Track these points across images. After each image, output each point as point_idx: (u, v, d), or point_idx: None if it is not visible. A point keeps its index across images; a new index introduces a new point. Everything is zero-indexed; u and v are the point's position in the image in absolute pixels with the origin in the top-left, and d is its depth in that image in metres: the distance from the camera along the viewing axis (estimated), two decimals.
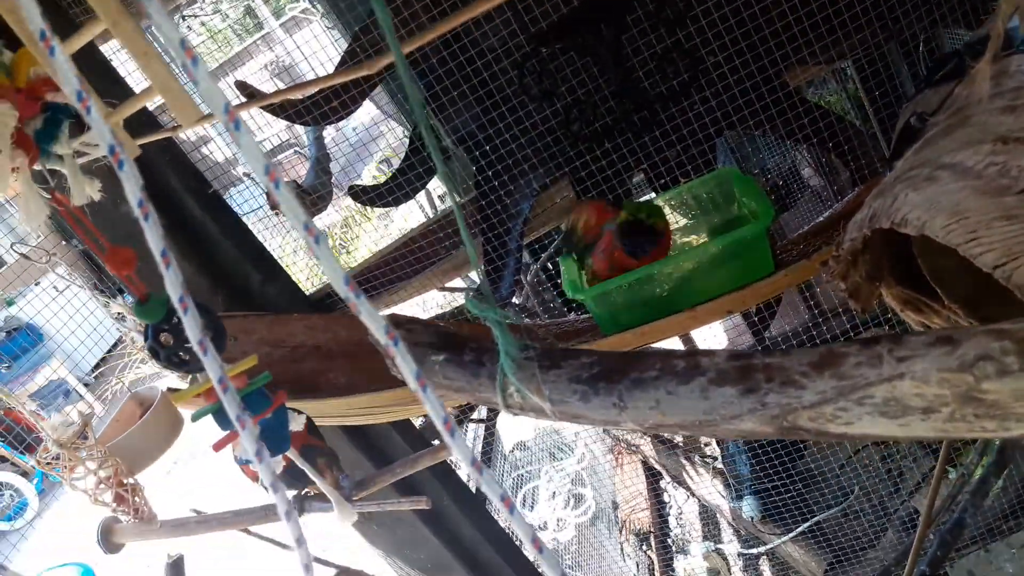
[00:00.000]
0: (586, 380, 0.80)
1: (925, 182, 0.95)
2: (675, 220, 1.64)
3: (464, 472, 2.96)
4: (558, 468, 3.90)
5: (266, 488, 1.52)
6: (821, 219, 1.59)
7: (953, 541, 1.66)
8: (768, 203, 1.44)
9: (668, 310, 1.54)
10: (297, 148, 7.85)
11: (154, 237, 0.54)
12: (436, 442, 2.36)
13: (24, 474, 7.34)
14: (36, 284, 9.59)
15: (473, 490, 2.38)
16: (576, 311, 1.96)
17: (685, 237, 1.63)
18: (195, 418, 1.18)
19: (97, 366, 8.76)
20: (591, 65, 1.58)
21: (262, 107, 1.86)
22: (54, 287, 9.54)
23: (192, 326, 0.57)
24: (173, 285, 0.56)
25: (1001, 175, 0.89)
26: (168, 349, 1.08)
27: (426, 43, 1.19)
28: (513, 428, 3.91)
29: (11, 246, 1.75)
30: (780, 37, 1.51)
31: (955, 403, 0.58)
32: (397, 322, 1.04)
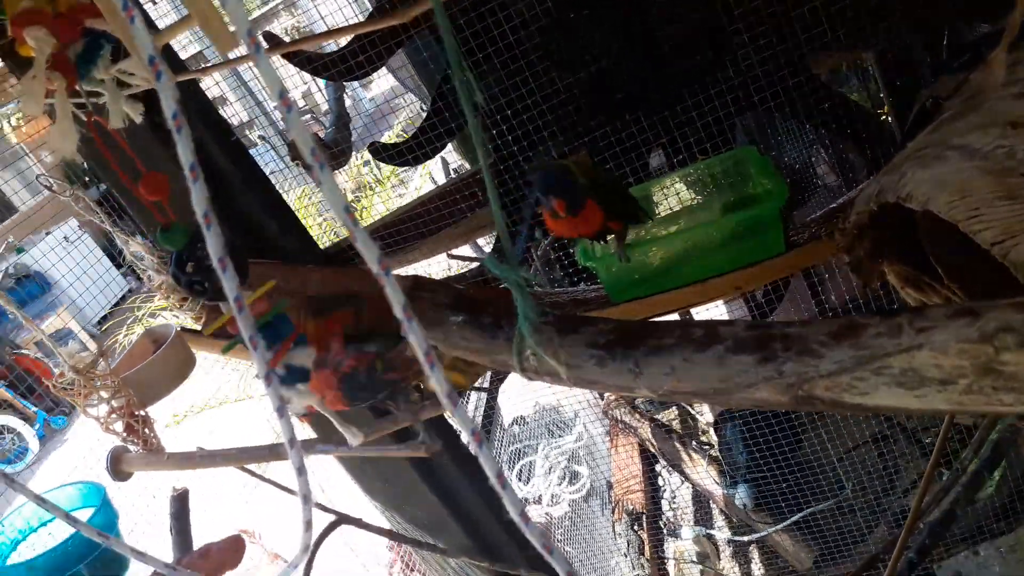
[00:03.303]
0: (603, 346, 0.82)
1: (934, 160, 0.98)
2: (690, 196, 1.67)
3: (465, 436, 3.00)
4: (555, 445, 3.94)
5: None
6: (834, 204, 1.61)
7: (942, 531, 1.69)
8: (783, 183, 1.46)
9: (678, 282, 1.56)
10: (313, 114, 7.89)
11: (185, 151, 0.57)
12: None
13: (26, 419, 7.44)
14: (47, 233, 9.67)
15: (473, 452, 2.42)
16: (586, 282, 1.98)
17: (697, 212, 1.65)
18: (225, 350, 1.21)
19: (104, 319, 8.86)
20: (617, 36, 1.60)
21: (289, 61, 1.88)
22: (65, 237, 9.62)
23: (215, 244, 0.59)
24: (199, 200, 0.58)
25: (1008, 157, 0.91)
26: (190, 276, 1.12)
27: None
28: (513, 403, 3.95)
29: (36, 178, 1.78)
30: (805, 20, 1.53)
31: (973, 375, 0.58)
32: (420, 284, 1.06)
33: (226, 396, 4.86)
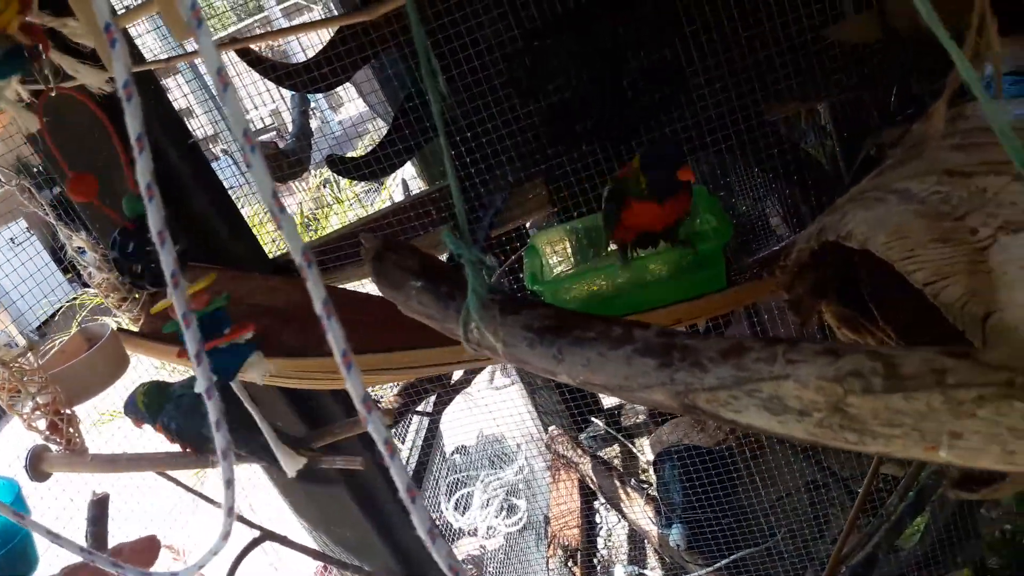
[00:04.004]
0: (536, 330, 0.86)
1: (874, 203, 1.02)
2: None
3: (403, 458, 2.96)
4: (495, 476, 3.91)
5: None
6: (777, 247, 1.65)
7: (865, 574, 1.71)
8: (729, 222, 1.50)
9: (620, 311, 1.58)
10: (279, 132, 7.87)
11: (134, 121, 0.57)
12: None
13: None
14: None
15: (387, 464, 2.40)
16: None
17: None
18: (166, 329, 1.19)
19: (44, 324, 8.60)
20: (580, 68, 1.64)
21: (253, 68, 1.88)
22: (11, 239, 9.36)
23: (156, 216, 0.59)
24: (143, 172, 0.58)
25: (942, 203, 0.95)
26: (130, 258, 1.11)
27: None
28: (456, 431, 3.91)
29: None
30: (761, 67, 1.58)
31: (825, 410, 0.63)
32: (389, 246, 1.08)
33: None
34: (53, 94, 1.06)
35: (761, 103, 1.65)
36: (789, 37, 1.55)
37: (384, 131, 1.88)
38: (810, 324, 1.23)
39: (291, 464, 1.43)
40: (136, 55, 1.81)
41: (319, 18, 5.48)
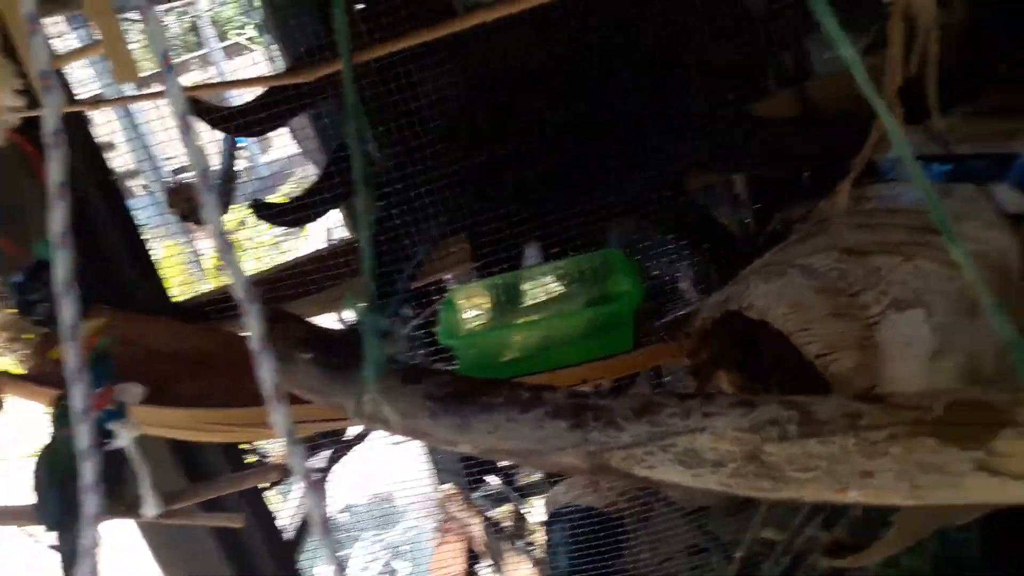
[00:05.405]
0: (438, 398, 0.84)
1: (776, 276, 1.12)
2: (557, 289, 1.77)
3: (283, 521, 2.83)
4: (380, 538, 3.83)
5: None
6: (682, 312, 1.76)
7: None
8: (640, 285, 1.59)
9: (530, 369, 1.63)
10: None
11: (58, 169, 0.55)
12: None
13: None
14: None
15: (291, 537, 2.33)
16: (444, 363, 2.02)
17: (559, 304, 1.75)
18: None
19: None
20: (519, 131, 1.70)
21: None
22: None
23: (64, 267, 0.58)
24: (59, 219, 0.56)
25: (840, 279, 1.07)
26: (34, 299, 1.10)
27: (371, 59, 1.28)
28: (343, 489, 3.82)
29: None
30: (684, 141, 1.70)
31: (741, 460, 0.66)
32: (276, 316, 1.05)
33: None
34: None
35: (682, 176, 1.77)
36: (713, 113, 1.68)
37: (312, 177, 1.90)
38: (703, 390, 1.31)
39: (154, 505, 1.35)
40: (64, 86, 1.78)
41: (260, 58, 5.39)
